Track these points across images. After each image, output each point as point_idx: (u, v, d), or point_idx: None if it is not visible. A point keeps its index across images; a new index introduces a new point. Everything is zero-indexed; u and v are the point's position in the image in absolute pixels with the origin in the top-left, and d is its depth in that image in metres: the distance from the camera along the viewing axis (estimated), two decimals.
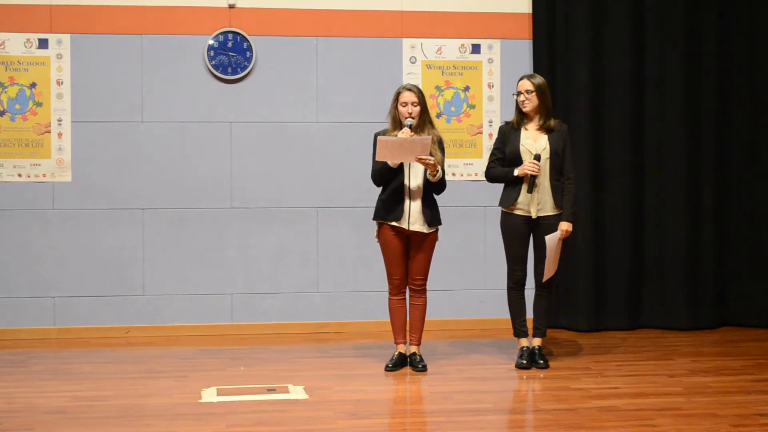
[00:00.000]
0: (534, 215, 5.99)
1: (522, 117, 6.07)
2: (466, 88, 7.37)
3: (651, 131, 7.38)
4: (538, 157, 5.90)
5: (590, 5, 7.26)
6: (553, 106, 6.19)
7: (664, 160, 7.38)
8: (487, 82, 7.38)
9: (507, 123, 6.15)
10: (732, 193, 7.47)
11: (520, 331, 6.15)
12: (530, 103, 6.00)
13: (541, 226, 5.99)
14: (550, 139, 5.99)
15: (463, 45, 7.35)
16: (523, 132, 6.04)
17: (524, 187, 5.94)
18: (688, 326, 7.32)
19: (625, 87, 7.31)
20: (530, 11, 7.34)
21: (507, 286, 6.18)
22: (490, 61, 7.38)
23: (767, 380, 5.73)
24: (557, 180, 6.00)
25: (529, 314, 6.20)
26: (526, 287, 6.15)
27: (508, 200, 6.03)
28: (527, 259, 6.12)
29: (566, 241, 6.06)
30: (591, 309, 7.30)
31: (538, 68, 7.17)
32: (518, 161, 5.97)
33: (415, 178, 5.85)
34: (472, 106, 7.37)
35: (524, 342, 6.15)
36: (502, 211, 6.09)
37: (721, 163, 7.42)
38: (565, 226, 5.96)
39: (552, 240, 5.92)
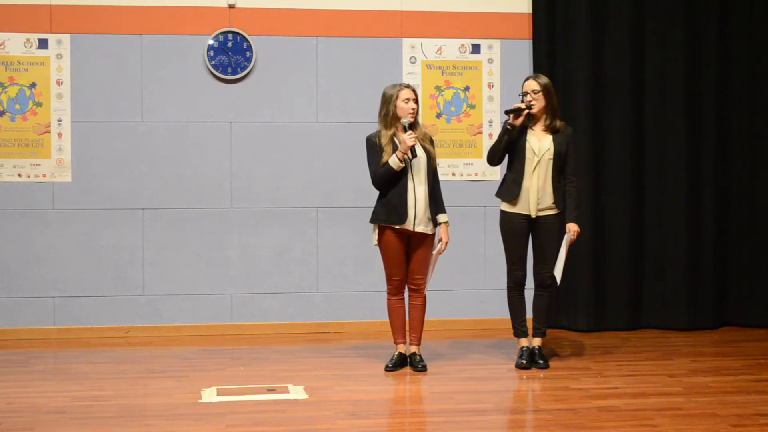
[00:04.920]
0: (533, 214, 5.98)
1: (528, 117, 6.04)
2: (466, 88, 7.36)
3: (651, 131, 7.37)
4: (512, 111, 5.91)
5: (590, 6, 7.25)
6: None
7: (664, 159, 7.37)
8: (487, 82, 7.37)
9: None
10: (732, 193, 7.46)
11: (519, 331, 6.15)
12: (537, 103, 5.99)
13: (541, 225, 5.99)
14: (554, 140, 5.98)
15: (463, 45, 7.35)
16: (528, 132, 6.03)
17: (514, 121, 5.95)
18: (688, 326, 7.32)
19: (624, 87, 7.30)
20: (530, 11, 7.34)
21: (507, 286, 6.18)
22: (490, 61, 7.37)
23: (767, 380, 5.73)
24: (558, 181, 6.00)
25: (529, 314, 6.21)
26: (526, 287, 6.16)
27: (508, 194, 6.01)
28: (527, 258, 6.12)
29: None
30: (591, 309, 7.30)
31: (537, 68, 7.17)
32: (522, 158, 5.96)
33: (419, 183, 5.86)
34: (472, 106, 7.37)
35: (524, 342, 6.14)
36: (502, 210, 6.09)
37: (720, 163, 7.41)
38: (574, 227, 5.98)
39: (565, 242, 5.98)
